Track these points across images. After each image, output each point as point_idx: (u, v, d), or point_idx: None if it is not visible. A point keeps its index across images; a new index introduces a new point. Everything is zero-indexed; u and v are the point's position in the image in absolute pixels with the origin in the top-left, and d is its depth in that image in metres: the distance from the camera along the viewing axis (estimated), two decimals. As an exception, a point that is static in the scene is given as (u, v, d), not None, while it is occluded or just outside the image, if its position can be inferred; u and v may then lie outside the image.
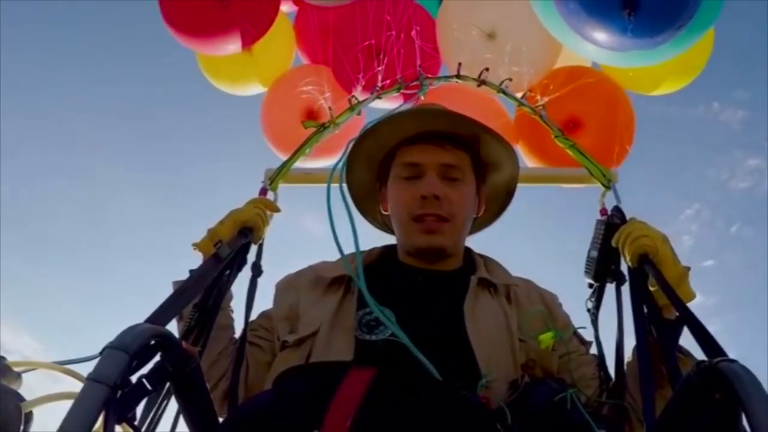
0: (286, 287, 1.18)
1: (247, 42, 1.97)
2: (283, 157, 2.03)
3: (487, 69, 1.64)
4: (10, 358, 0.75)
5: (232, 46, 1.93)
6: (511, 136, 1.91)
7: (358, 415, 0.74)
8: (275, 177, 1.45)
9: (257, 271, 1.24)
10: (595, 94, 1.81)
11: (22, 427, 0.72)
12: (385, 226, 1.31)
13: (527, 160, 1.92)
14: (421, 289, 1.10)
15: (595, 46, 1.55)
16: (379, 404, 0.77)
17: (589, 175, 1.41)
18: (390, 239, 1.28)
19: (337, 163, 1.18)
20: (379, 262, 1.20)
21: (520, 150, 1.94)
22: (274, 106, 2.15)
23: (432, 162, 1.12)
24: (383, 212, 1.24)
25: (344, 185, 1.13)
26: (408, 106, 1.48)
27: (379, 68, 1.87)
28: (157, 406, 0.90)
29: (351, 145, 1.21)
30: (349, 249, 1.03)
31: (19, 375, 0.73)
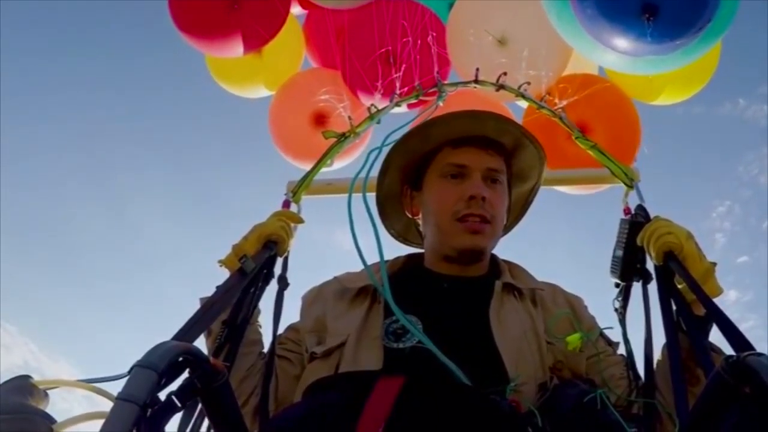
0: (312, 300, 1.18)
1: (257, 44, 1.99)
2: (291, 160, 2.04)
3: (505, 73, 1.63)
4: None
5: (242, 48, 1.94)
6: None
7: (389, 423, 0.75)
8: (298, 189, 1.46)
9: (283, 283, 1.25)
10: (604, 101, 1.83)
11: None
12: (401, 236, 1.31)
13: None
14: (446, 295, 1.10)
15: (608, 51, 1.55)
16: (409, 412, 0.77)
17: (611, 175, 1.41)
18: (406, 250, 1.28)
19: (359, 171, 1.18)
20: (403, 270, 1.21)
21: None
22: (284, 109, 2.16)
23: (478, 165, 1.11)
24: (411, 217, 1.22)
25: (367, 194, 1.13)
26: (429, 111, 1.47)
27: (397, 75, 1.87)
28: (191, 425, 0.91)
29: (386, 151, 1.19)
30: (372, 258, 1.03)
31: (46, 394, 0.73)
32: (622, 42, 1.47)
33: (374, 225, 1.05)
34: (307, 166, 1.63)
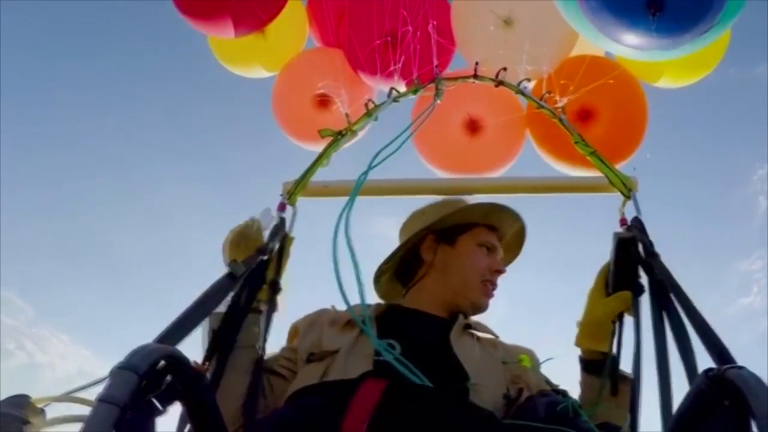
0: (309, 325, 1.23)
1: (260, 24, 1.96)
2: (295, 141, 2.01)
3: (504, 69, 1.60)
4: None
5: (245, 28, 1.91)
6: (521, 121, 1.89)
7: (374, 419, 0.79)
8: (293, 191, 1.42)
9: (275, 288, 1.26)
10: (610, 86, 1.74)
11: None
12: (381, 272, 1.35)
13: (537, 148, 1.89)
14: (420, 326, 1.20)
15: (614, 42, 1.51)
16: (393, 409, 0.82)
17: (608, 184, 1.37)
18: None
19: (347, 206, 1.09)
20: (385, 312, 1.26)
21: (530, 137, 1.92)
22: (287, 89, 2.13)
23: (500, 247, 1.35)
24: (425, 259, 1.29)
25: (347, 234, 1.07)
26: (426, 113, 1.47)
27: (396, 66, 1.85)
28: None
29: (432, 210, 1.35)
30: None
31: (42, 410, 0.76)
32: (626, 36, 1.43)
33: (353, 257, 1.02)
34: (312, 147, 1.61)
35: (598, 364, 1.14)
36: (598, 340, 1.15)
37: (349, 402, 0.84)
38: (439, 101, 1.56)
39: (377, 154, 1.21)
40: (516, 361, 1.11)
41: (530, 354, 1.19)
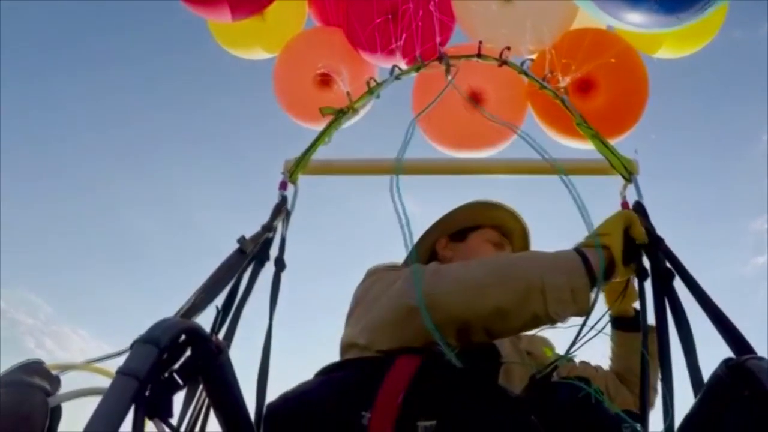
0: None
1: (258, 8, 1.92)
2: (297, 121, 1.99)
3: (508, 48, 1.61)
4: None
5: (246, 11, 1.87)
6: (523, 94, 1.88)
7: (409, 392, 0.78)
8: (294, 169, 1.43)
9: (280, 265, 1.28)
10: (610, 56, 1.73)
11: (47, 422, 0.72)
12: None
13: (539, 122, 1.88)
14: None
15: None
16: (426, 385, 0.81)
17: (609, 166, 1.39)
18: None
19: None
20: None
21: (532, 110, 1.90)
22: (288, 69, 2.10)
23: (507, 243, 1.41)
24: (444, 256, 1.34)
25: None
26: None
27: (398, 44, 1.83)
28: (194, 403, 0.94)
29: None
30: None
31: (56, 377, 0.75)
32: (628, 14, 1.44)
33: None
34: (316, 127, 1.59)
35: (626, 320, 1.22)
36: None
37: (383, 376, 0.83)
38: (449, 77, 1.56)
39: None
40: (541, 353, 1.18)
41: (550, 345, 1.24)
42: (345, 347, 1.03)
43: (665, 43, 1.85)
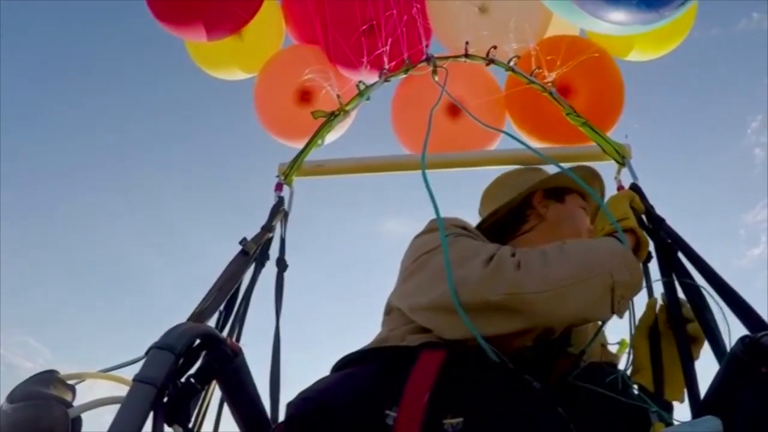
0: None
1: (237, 26, 1.94)
2: (279, 140, 2.01)
3: (495, 47, 1.64)
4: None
5: (222, 31, 1.90)
6: (501, 103, 1.92)
7: (435, 389, 0.76)
8: (289, 171, 1.45)
9: (282, 265, 1.27)
10: (586, 62, 1.78)
11: None
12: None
13: (517, 130, 1.92)
14: None
15: (590, 17, 1.55)
16: (451, 381, 0.78)
17: (602, 153, 1.42)
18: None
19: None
20: None
21: (510, 119, 1.94)
22: (267, 89, 2.11)
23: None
24: (540, 213, 1.28)
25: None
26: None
27: (384, 49, 1.85)
28: (199, 405, 0.91)
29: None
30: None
31: (72, 387, 0.73)
32: (609, 13, 1.47)
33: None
34: (297, 146, 1.62)
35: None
36: None
37: (407, 371, 0.79)
38: (436, 78, 1.58)
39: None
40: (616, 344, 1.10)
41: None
42: (391, 310, 1.00)
43: (636, 45, 1.92)
